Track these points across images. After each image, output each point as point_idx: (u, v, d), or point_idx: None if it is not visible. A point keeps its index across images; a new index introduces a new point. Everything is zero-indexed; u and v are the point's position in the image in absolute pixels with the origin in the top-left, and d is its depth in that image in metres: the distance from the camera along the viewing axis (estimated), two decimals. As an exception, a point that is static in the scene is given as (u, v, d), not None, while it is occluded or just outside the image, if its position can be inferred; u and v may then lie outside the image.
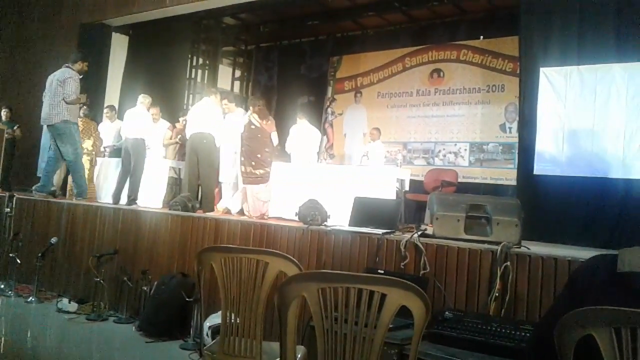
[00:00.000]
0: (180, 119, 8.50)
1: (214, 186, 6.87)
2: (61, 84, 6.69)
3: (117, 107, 9.38)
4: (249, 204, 5.94)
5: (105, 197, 7.51)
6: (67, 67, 6.85)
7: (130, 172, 7.01)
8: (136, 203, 6.80)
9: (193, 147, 6.70)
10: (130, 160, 7.04)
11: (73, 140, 6.83)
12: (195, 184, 6.79)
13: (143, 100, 7.48)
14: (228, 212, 6.57)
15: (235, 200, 6.57)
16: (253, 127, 6.03)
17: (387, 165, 8.67)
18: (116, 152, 8.12)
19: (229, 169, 6.87)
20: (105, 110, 8.96)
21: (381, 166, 8.30)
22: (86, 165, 7.55)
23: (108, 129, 8.69)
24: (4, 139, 9.44)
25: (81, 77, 7.03)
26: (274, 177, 6.16)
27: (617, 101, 5.14)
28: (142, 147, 7.13)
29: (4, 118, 9.67)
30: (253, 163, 5.94)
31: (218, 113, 6.84)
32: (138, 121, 7.21)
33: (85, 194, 7.03)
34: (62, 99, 6.70)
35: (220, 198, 7.13)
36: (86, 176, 7.48)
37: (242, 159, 6.00)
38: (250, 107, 6.19)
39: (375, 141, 9.03)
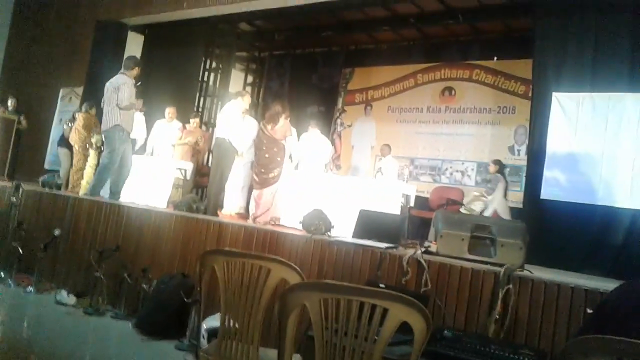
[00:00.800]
0: (191, 120, 8.54)
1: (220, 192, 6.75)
2: (115, 90, 6.63)
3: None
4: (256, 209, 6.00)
5: (105, 192, 7.52)
6: (122, 73, 6.78)
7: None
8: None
9: (213, 152, 6.71)
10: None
11: (111, 144, 6.67)
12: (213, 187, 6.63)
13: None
14: (241, 215, 6.62)
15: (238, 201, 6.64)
16: (262, 133, 6.13)
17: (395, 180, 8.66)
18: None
19: (235, 174, 6.90)
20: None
21: (388, 180, 8.30)
22: (94, 160, 7.57)
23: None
24: (14, 129, 9.52)
25: (139, 83, 6.98)
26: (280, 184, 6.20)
27: (627, 130, 5.15)
28: (133, 145, 7.42)
29: (10, 107, 9.75)
30: (262, 170, 6.04)
31: (234, 117, 6.59)
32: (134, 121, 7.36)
33: (93, 194, 6.76)
34: (115, 105, 6.63)
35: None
36: (92, 171, 7.50)
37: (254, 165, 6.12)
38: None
39: (385, 157, 9.06)
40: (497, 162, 8.25)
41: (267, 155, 6.20)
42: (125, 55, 10.08)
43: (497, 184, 8.00)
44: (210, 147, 10.27)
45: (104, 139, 6.84)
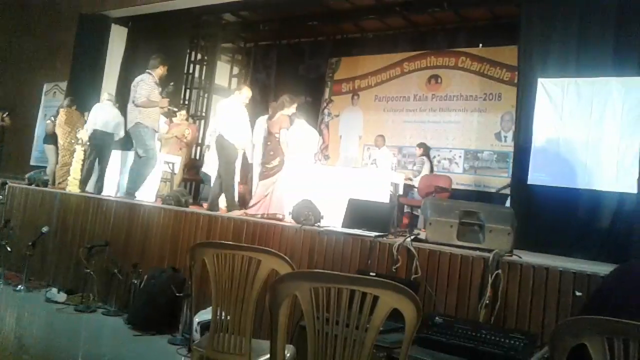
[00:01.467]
0: (178, 114, 8.48)
1: (231, 186, 6.44)
2: (134, 88, 6.53)
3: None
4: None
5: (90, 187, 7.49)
6: (146, 71, 6.62)
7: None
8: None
9: (217, 150, 6.56)
10: (99, 152, 7.47)
11: (141, 142, 6.48)
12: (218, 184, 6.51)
13: (110, 97, 8.15)
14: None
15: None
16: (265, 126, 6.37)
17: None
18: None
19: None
20: (107, 94, 8.90)
21: (377, 170, 8.33)
22: (80, 156, 7.52)
23: (110, 114, 8.66)
24: (-1, 126, 9.43)
25: (172, 83, 6.82)
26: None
27: (612, 115, 5.18)
28: (111, 140, 7.63)
29: None
30: (262, 162, 6.30)
31: (233, 112, 6.39)
32: (107, 116, 7.69)
33: (131, 194, 6.43)
34: (132, 102, 6.55)
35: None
36: (80, 167, 7.46)
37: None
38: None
39: (380, 148, 9.08)
40: (422, 145, 9.06)
41: (267, 148, 6.24)
42: (109, 48, 10.04)
43: (422, 165, 8.82)
44: (198, 140, 10.26)
45: (132, 139, 6.64)
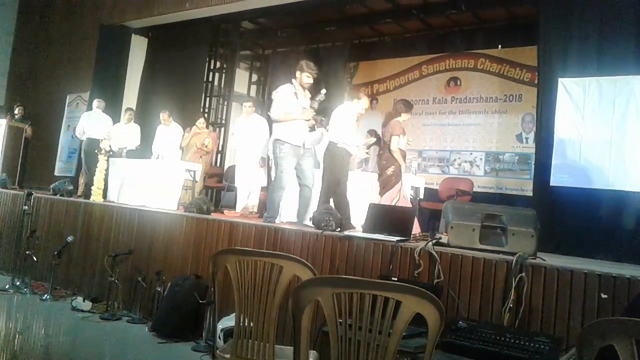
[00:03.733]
0: (197, 122, 8.56)
1: (344, 197, 5.83)
2: (272, 99, 5.90)
3: (134, 107, 9.55)
4: None
5: (112, 196, 7.59)
6: (290, 82, 5.79)
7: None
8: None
9: (325, 158, 6.15)
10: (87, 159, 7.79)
11: (275, 161, 5.78)
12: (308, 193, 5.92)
13: (98, 104, 8.58)
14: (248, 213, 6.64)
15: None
16: None
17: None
18: (129, 153, 8.31)
19: (245, 174, 6.94)
20: (127, 113, 9.06)
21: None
22: (103, 165, 7.62)
23: (123, 131, 8.81)
24: (23, 137, 9.58)
25: (323, 91, 5.84)
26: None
27: (635, 113, 5.11)
28: (95, 147, 7.75)
29: (17, 116, 9.81)
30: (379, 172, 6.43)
31: (347, 120, 5.99)
32: (98, 123, 8.12)
33: (272, 219, 5.52)
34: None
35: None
36: (102, 176, 7.56)
37: None
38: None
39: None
40: (372, 132, 8.73)
41: (380, 158, 6.32)
42: (130, 58, 10.18)
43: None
44: (218, 147, 10.32)
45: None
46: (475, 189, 8.38)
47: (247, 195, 7.18)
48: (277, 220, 5.58)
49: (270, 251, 4.16)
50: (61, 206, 7.00)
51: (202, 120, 8.71)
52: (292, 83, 5.69)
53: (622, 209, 5.05)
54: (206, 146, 8.51)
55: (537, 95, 5.92)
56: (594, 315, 3.10)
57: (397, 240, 4.01)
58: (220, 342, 4.14)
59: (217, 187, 9.42)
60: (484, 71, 9.62)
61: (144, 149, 8.77)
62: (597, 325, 1.53)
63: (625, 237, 4.95)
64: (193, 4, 8.98)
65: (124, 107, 9.56)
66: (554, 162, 5.41)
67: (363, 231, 4.51)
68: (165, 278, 5.37)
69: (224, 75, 11.31)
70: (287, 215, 6.11)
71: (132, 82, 10.29)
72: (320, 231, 4.52)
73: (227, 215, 6.34)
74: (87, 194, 7.66)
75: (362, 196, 5.97)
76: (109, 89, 9.85)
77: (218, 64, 11.27)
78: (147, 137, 8.92)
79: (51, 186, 7.73)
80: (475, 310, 3.54)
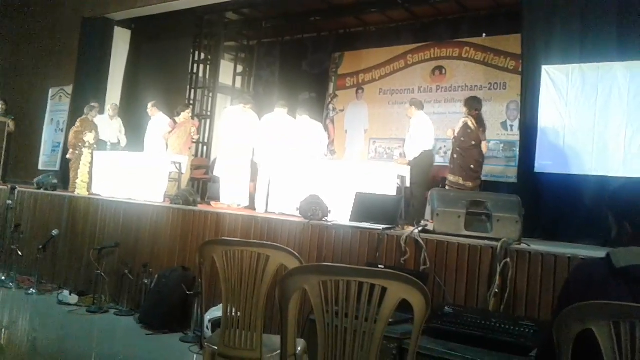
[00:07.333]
0: (182, 113, 8.49)
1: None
2: None
3: (118, 100, 9.50)
4: None
5: (98, 189, 7.52)
6: None
7: None
8: None
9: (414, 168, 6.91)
10: None
11: None
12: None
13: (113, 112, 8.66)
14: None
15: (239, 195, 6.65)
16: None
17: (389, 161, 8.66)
18: (113, 146, 8.27)
19: (224, 163, 6.94)
20: (108, 107, 9.02)
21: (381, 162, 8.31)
22: (87, 159, 7.55)
23: (107, 125, 8.76)
24: (5, 132, 9.49)
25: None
26: (274, 172, 6.21)
27: (618, 100, 5.15)
28: None
29: None
30: None
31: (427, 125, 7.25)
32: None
33: None
34: None
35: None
36: (87, 170, 7.49)
37: None
38: None
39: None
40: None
41: None
42: (113, 51, 10.08)
43: None
44: (204, 139, 10.28)
45: None
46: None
47: (230, 188, 7.15)
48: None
49: (257, 241, 4.16)
50: (46, 200, 6.95)
51: (188, 111, 8.65)
52: None
53: (605, 193, 5.09)
54: (193, 137, 8.47)
55: (521, 83, 5.94)
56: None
57: (384, 229, 4.03)
58: (208, 333, 4.16)
59: (203, 178, 9.38)
60: (468, 60, 9.65)
61: (130, 143, 8.74)
62: (576, 309, 1.54)
63: (608, 221, 5.00)
64: (176, -6, 8.90)
65: (107, 100, 9.48)
66: (538, 148, 5.45)
67: (350, 220, 4.52)
68: (153, 270, 5.37)
69: (208, 66, 11.24)
70: (275, 206, 6.09)
71: (116, 75, 10.18)
72: (307, 221, 4.53)
73: (214, 207, 6.32)
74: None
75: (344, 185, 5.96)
76: (92, 82, 9.76)
77: (203, 56, 11.20)
78: (130, 130, 8.86)
79: (35, 180, 7.65)
80: (461, 296, 3.57)
